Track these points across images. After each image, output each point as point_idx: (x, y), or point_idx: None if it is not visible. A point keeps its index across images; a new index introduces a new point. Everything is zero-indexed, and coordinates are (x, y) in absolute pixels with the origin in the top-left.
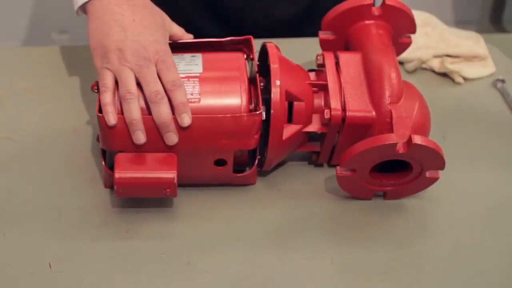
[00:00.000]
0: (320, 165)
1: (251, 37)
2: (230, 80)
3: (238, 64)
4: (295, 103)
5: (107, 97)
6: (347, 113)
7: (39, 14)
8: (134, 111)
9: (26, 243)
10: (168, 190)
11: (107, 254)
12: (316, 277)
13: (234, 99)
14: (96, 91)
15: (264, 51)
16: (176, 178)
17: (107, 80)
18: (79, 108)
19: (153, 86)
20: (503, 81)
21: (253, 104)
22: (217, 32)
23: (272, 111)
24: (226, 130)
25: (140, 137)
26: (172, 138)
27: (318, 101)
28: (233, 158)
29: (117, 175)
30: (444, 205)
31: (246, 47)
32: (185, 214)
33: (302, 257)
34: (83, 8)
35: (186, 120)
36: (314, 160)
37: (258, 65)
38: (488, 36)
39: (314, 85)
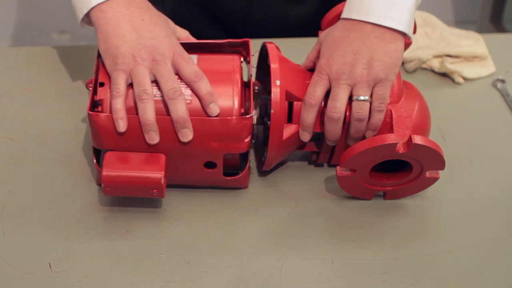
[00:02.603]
0: (320, 165)
1: (249, 40)
2: (223, 82)
3: (232, 66)
4: (295, 103)
5: (119, 103)
6: (347, 113)
7: (39, 14)
8: (149, 111)
9: (26, 243)
10: (155, 190)
11: (107, 254)
12: (316, 277)
13: (226, 101)
14: (90, 88)
15: (264, 51)
16: (163, 179)
17: (120, 85)
18: (79, 108)
19: (171, 83)
20: (503, 81)
21: (244, 108)
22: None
23: (272, 111)
24: (215, 132)
25: (153, 137)
26: (188, 134)
27: None
28: (224, 161)
29: (104, 173)
30: (444, 205)
31: (244, 50)
32: (185, 214)
33: (302, 257)
34: (88, 16)
35: (214, 109)
36: (314, 160)
37: (257, 67)
38: (488, 36)
39: None
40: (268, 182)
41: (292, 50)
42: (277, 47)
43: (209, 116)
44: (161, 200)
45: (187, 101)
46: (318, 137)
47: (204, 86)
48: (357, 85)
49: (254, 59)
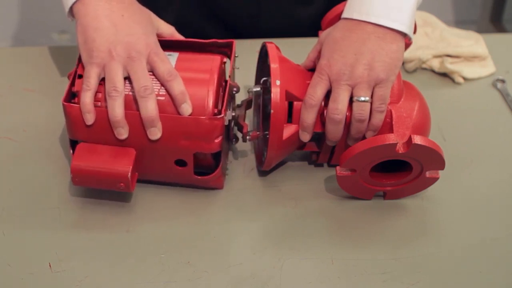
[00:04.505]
0: (320, 165)
1: (233, 40)
2: (198, 82)
3: (211, 66)
4: (295, 103)
5: (88, 97)
6: (347, 114)
7: (39, 14)
8: (118, 108)
9: (26, 243)
10: (122, 184)
11: (107, 254)
12: (316, 277)
13: (199, 101)
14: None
15: (264, 51)
16: (130, 173)
17: (91, 79)
18: None
19: (143, 81)
20: (503, 81)
21: (219, 108)
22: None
23: (272, 111)
24: (185, 130)
25: (121, 133)
26: (156, 133)
27: None
28: (197, 160)
29: (73, 163)
30: (444, 205)
31: (230, 51)
32: (185, 214)
33: (302, 257)
34: (72, 9)
35: (186, 109)
36: (314, 160)
37: (256, 68)
38: (488, 36)
39: None
40: (268, 182)
41: (292, 50)
42: (277, 47)
43: (183, 115)
44: (161, 201)
45: (160, 98)
46: (318, 137)
47: (177, 86)
48: (358, 86)
49: (248, 60)
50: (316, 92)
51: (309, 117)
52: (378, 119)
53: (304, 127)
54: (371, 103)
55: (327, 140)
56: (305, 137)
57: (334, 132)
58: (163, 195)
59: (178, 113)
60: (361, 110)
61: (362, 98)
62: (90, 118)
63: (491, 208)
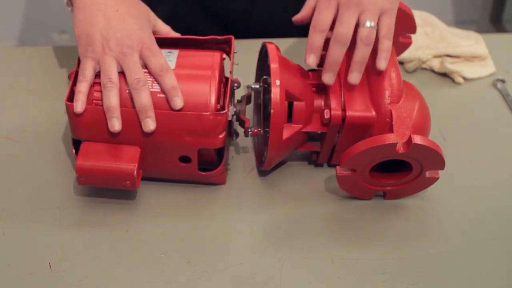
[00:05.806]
0: (320, 165)
1: (232, 37)
2: (200, 78)
3: (212, 62)
4: (295, 103)
5: (83, 86)
6: (347, 113)
7: (39, 14)
8: (113, 98)
9: (26, 243)
10: (127, 182)
11: (107, 254)
12: (316, 277)
13: (202, 97)
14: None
15: (264, 52)
16: (135, 171)
17: (87, 71)
18: None
19: (135, 74)
20: (503, 81)
21: (221, 104)
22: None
23: (272, 111)
24: (189, 127)
25: (115, 124)
26: (149, 124)
27: (318, 101)
28: (200, 156)
29: (79, 162)
30: (444, 205)
31: (228, 47)
32: (185, 214)
33: (302, 257)
34: (70, 2)
35: (178, 103)
36: (314, 160)
37: (256, 68)
38: (488, 36)
39: (314, 85)
40: (268, 182)
41: (292, 50)
42: (277, 47)
43: (173, 109)
44: (161, 201)
45: (161, 95)
46: (318, 137)
47: (169, 80)
48: (365, 13)
49: (249, 57)
50: (326, 17)
51: (317, 39)
52: (387, 45)
53: (313, 49)
54: (378, 31)
55: (325, 64)
56: (312, 61)
57: (337, 54)
58: (163, 194)
59: (170, 107)
60: (368, 34)
61: (368, 24)
62: (80, 107)
63: (491, 208)
